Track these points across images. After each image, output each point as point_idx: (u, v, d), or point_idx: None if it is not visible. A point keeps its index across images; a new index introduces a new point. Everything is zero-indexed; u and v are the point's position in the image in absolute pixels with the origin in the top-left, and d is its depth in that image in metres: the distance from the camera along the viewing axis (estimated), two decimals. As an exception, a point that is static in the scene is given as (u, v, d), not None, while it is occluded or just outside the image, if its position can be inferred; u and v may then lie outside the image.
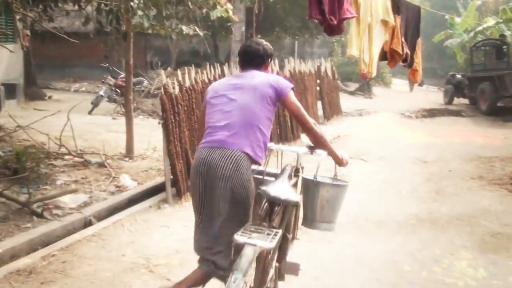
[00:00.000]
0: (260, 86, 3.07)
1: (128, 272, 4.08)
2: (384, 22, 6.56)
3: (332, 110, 13.72)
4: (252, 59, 3.28)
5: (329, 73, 13.66)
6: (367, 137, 11.10)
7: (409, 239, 5.05)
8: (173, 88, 6.13)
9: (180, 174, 6.07)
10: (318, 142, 3.33)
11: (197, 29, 6.87)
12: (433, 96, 23.64)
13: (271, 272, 3.05)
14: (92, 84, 18.50)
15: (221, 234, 2.96)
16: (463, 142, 10.78)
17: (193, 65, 7.12)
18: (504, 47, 18.18)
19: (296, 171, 3.46)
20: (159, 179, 6.87)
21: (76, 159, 7.34)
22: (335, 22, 5.40)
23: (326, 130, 11.51)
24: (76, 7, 7.71)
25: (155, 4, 6.61)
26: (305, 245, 4.77)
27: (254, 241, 2.48)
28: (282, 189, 2.88)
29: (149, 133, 9.28)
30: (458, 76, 19.77)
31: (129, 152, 7.95)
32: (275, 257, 3.12)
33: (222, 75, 7.50)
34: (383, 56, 6.98)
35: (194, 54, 21.14)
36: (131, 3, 6.23)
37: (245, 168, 2.92)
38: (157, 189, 6.53)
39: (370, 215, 5.76)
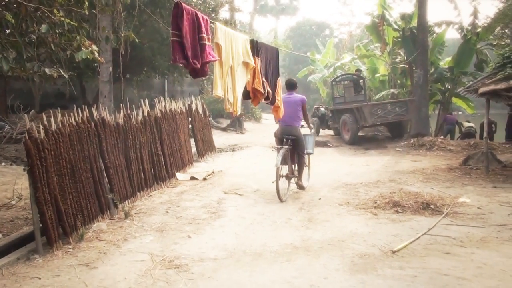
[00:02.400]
0: (296, 101, 8.86)
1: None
2: (245, 64, 6.89)
3: (206, 147, 13.85)
4: (294, 86, 9.15)
5: (200, 111, 13.82)
6: (241, 172, 11.33)
7: (286, 267, 5.21)
8: (38, 132, 5.86)
9: (50, 221, 5.75)
10: (308, 124, 9.43)
11: (62, 71, 6.62)
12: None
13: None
14: None
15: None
16: (330, 170, 11.43)
17: (58, 108, 6.88)
18: (360, 81, 19.72)
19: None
20: (27, 229, 6.46)
21: None
22: (199, 66, 5.57)
23: (201, 167, 11.62)
24: None
25: (13, 46, 6.31)
26: (185, 282, 4.76)
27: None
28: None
29: (14, 181, 8.74)
30: (322, 109, 20.98)
31: (-9, 203, 7.39)
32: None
33: (91, 117, 7.31)
34: (247, 95, 7.31)
35: (59, 96, 20.29)
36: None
37: (296, 129, 8.79)
38: (25, 240, 6.12)
39: (248, 248, 5.88)
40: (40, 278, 4.95)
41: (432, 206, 7.41)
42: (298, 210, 7.78)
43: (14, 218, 7.18)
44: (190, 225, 6.87)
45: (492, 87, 10.02)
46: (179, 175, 10.46)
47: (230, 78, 6.50)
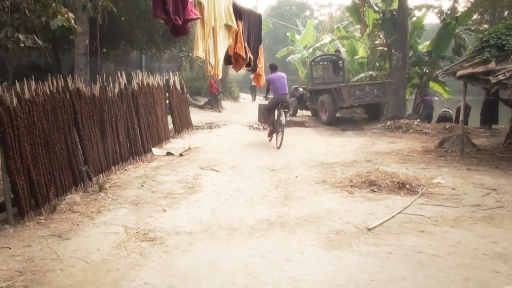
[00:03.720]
0: (283, 76, 11.89)
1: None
2: (228, 27, 6.79)
3: (183, 124, 13.71)
4: (276, 67, 11.83)
5: (178, 87, 13.63)
6: (218, 149, 11.26)
7: (262, 242, 5.20)
8: (11, 101, 5.69)
9: (21, 191, 5.62)
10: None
11: (36, 39, 6.42)
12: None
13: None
14: None
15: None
16: (308, 150, 11.42)
17: (33, 79, 6.68)
18: (339, 62, 19.69)
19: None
20: (-3, 200, 6.32)
21: None
22: (180, 23, 5.47)
23: (177, 143, 11.51)
24: None
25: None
26: (159, 255, 4.71)
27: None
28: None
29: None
30: (300, 89, 20.92)
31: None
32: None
33: (66, 87, 7.13)
34: (228, 60, 7.20)
35: (34, 69, 19.72)
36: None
37: (287, 96, 11.94)
38: (-5, 210, 5.99)
39: (224, 223, 5.84)
40: (10, 248, 4.84)
41: (407, 186, 7.46)
42: (275, 187, 7.77)
43: (-16, 189, 7.02)
44: (165, 199, 6.80)
45: (470, 70, 10.08)
46: (155, 150, 10.34)
47: (212, 40, 6.42)
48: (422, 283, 4.19)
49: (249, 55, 7.23)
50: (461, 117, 11.14)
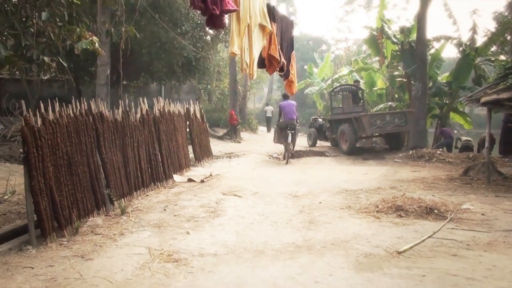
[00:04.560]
0: (293, 104, 14.82)
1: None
2: (262, 27, 6.77)
3: (203, 152, 13.68)
4: (288, 96, 14.81)
5: (198, 116, 13.66)
6: (239, 176, 11.16)
7: (289, 264, 5.04)
8: (35, 120, 5.68)
9: (44, 211, 5.56)
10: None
11: (61, 60, 6.46)
12: (297, 140, 24.66)
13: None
14: None
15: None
16: (329, 178, 11.25)
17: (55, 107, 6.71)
18: (359, 92, 19.64)
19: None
20: (19, 222, 6.27)
21: None
22: (218, 12, 5.47)
23: (198, 171, 11.44)
24: None
25: (12, 35, 6.17)
26: (184, 276, 4.58)
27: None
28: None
29: (7, 177, 8.52)
30: (320, 120, 20.84)
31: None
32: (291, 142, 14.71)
33: (89, 110, 7.15)
34: (262, 63, 7.17)
35: (55, 101, 20.04)
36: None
37: (295, 121, 14.55)
38: (17, 233, 5.91)
39: (249, 245, 5.70)
40: (33, 268, 4.75)
41: (435, 211, 7.25)
42: (299, 212, 7.61)
43: (6, 212, 6.98)
44: (188, 223, 6.69)
45: (494, 96, 9.93)
46: (176, 177, 10.28)
47: (247, 38, 6.40)
48: (461, 305, 3.99)
49: (283, 59, 7.18)
50: (486, 144, 10.93)
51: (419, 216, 7.12)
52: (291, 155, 14.87)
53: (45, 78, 17.88)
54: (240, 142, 22.09)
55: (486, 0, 27.75)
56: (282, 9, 54.08)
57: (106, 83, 13.78)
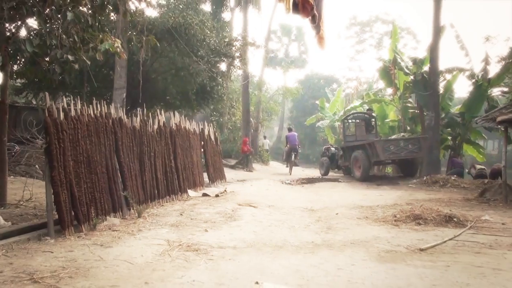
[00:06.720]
0: (295, 134, 22.18)
1: (8, 284, 3.53)
2: None
3: (216, 174, 13.67)
4: (291, 129, 23.12)
5: (212, 138, 13.72)
6: (254, 193, 11.13)
7: (310, 256, 4.97)
8: (58, 114, 5.74)
9: (64, 204, 5.54)
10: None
11: (85, 59, 6.56)
12: (308, 171, 24.62)
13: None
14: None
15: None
16: (344, 198, 11.16)
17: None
18: (372, 120, 19.64)
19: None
20: (36, 221, 6.24)
21: None
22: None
23: (212, 189, 11.41)
24: None
25: (38, 34, 6.31)
26: (205, 261, 4.53)
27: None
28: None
29: (22, 188, 8.53)
30: (332, 149, 20.80)
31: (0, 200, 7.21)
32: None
33: (109, 113, 7.23)
34: (295, 7, 7.31)
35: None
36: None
37: (297, 147, 21.54)
38: (35, 229, 5.86)
39: (268, 242, 5.64)
40: (52, 252, 4.73)
41: (455, 219, 7.15)
42: (316, 221, 7.53)
43: (23, 214, 6.96)
44: (206, 224, 6.65)
45: (511, 115, 9.93)
46: (190, 192, 10.25)
47: None
48: (489, 288, 3.90)
49: (315, 11, 7.23)
50: (503, 163, 10.84)
51: (438, 224, 7.02)
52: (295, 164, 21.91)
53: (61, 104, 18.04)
54: (252, 171, 22.03)
55: (499, 26, 27.98)
56: (293, 48, 54.91)
57: (122, 106, 13.87)
